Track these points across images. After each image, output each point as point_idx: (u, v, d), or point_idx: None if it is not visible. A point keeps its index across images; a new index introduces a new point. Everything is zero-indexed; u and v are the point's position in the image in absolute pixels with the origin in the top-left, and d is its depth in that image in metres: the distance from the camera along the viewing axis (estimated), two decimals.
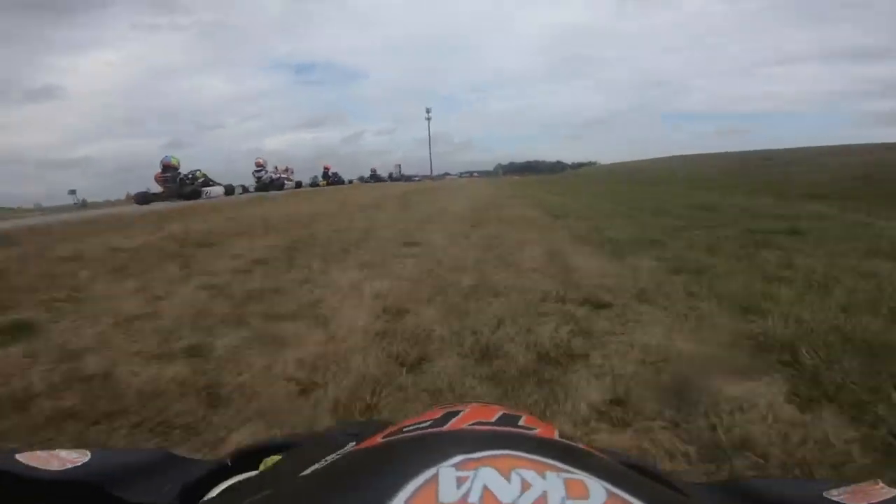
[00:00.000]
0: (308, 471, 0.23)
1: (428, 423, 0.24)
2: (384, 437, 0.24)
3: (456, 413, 0.25)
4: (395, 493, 0.16)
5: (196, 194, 11.95)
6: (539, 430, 0.24)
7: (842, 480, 0.28)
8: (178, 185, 12.18)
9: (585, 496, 0.16)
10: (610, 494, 0.16)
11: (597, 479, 0.17)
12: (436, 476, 0.16)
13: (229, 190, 14.05)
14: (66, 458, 0.28)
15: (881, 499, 0.24)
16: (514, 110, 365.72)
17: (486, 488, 0.16)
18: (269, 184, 16.27)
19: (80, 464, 0.28)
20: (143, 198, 11.66)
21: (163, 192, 12.01)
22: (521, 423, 0.25)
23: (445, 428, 0.23)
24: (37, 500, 0.26)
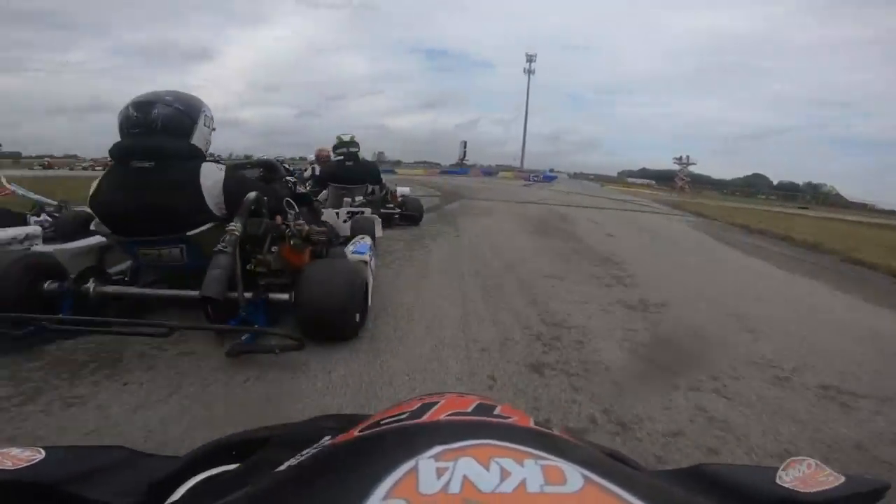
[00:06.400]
0: (284, 466, 0.23)
1: (405, 414, 0.24)
2: (360, 431, 0.23)
3: (433, 404, 0.25)
4: (374, 486, 0.16)
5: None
6: (515, 419, 0.24)
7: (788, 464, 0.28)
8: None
9: (563, 482, 0.16)
10: (586, 480, 0.16)
11: (573, 466, 0.17)
12: (415, 468, 0.16)
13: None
14: (19, 457, 0.27)
15: (831, 486, 0.25)
16: (648, 116, 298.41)
17: (466, 478, 0.16)
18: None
19: (34, 462, 0.27)
20: None
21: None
22: (496, 412, 0.25)
23: (423, 419, 0.23)
24: None
